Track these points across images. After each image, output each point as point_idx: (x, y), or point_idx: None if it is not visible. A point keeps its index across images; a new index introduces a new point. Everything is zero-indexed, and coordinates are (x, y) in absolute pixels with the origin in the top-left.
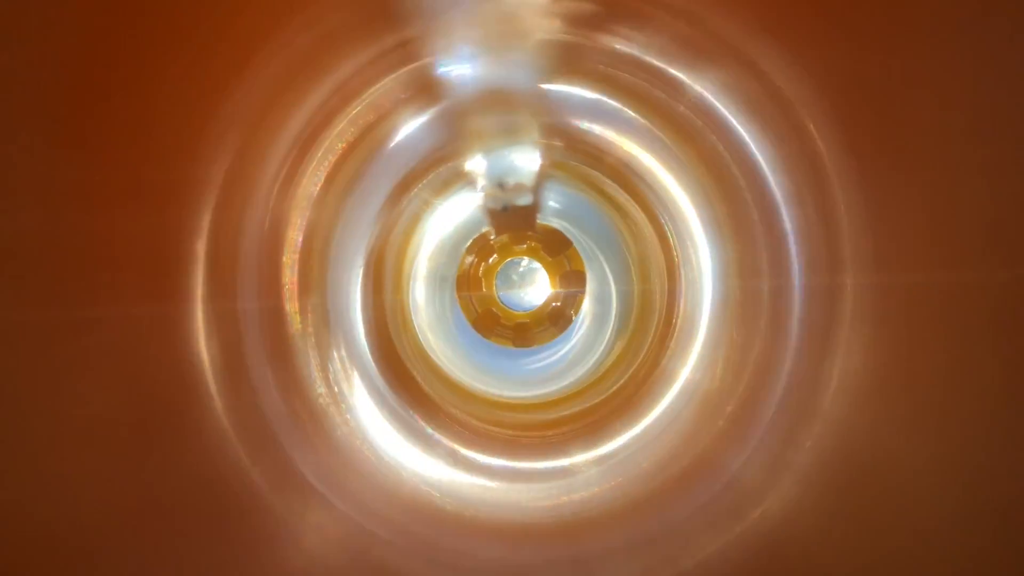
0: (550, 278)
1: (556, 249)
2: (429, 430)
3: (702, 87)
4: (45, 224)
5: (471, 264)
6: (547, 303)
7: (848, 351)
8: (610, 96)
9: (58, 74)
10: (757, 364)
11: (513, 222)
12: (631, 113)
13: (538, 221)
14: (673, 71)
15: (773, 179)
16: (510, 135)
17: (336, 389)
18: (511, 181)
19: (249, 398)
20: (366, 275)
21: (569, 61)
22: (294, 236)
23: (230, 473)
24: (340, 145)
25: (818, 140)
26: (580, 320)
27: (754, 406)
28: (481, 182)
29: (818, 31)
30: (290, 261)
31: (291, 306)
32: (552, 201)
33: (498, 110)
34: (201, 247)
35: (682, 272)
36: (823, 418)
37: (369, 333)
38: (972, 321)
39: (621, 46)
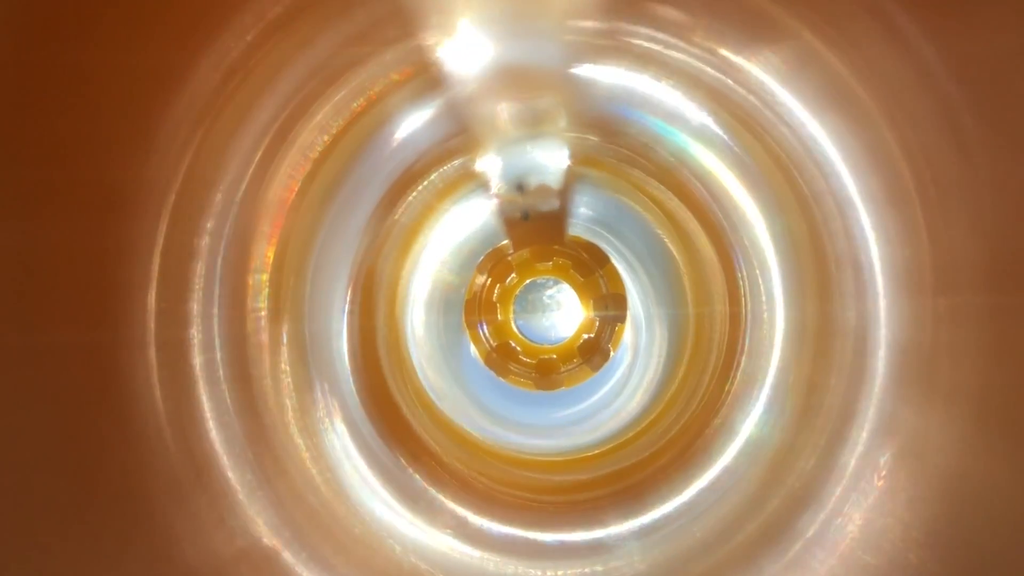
0: (582, 303)
1: (589, 267)
2: (431, 492)
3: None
4: None
5: (484, 285)
6: (577, 334)
7: (952, 393)
8: (656, 78)
9: None
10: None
11: (536, 233)
12: (683, 99)
13: (567, 232)
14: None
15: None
16: (532, 126)
17: (315, 441)
18: (533, 183)
19: (205, 449)
20: (353, 298)
21: (607, 37)
22: (263, 250)
23: (184, 540)
24: (324, 138)
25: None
26: (618, 356)
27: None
28: (496, 184)
29: None
30: (258, 281)
31: (258, 338)
32: (584, 207)
33: (518, 95)
34: (152, 264)
35: (748, 296)
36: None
37: (356, 371)
38: None
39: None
